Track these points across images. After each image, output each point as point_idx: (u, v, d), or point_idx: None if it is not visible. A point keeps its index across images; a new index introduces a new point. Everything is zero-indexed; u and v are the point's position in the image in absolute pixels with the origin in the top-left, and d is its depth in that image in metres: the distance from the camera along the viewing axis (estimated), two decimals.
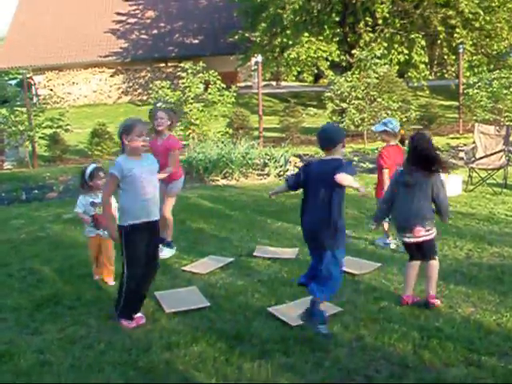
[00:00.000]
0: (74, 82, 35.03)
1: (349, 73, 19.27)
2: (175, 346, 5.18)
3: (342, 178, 5.10)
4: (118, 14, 36.72)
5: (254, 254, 7.77)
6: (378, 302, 5.94)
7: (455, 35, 25.59)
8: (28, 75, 19.27)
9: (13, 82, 39.03)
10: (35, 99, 31.26)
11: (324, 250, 5.30)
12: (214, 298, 6.28)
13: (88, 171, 6.85)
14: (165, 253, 7.83)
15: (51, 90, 33.77)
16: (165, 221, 7.81)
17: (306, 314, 5.34)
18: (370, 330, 5.32)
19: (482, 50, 26.93)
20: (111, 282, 6.89)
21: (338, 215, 5.33)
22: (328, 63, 26.65)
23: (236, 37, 29.82)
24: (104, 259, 7.02)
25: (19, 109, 18.14)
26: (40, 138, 18.37)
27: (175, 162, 7.89)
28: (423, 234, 5.75)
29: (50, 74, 34.63)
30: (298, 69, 27.18)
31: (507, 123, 17.05)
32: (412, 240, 5.82)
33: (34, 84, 34.00)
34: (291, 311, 5.75)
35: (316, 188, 5.37)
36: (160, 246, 7.41)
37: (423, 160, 5.73)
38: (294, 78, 29.21)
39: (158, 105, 7.71)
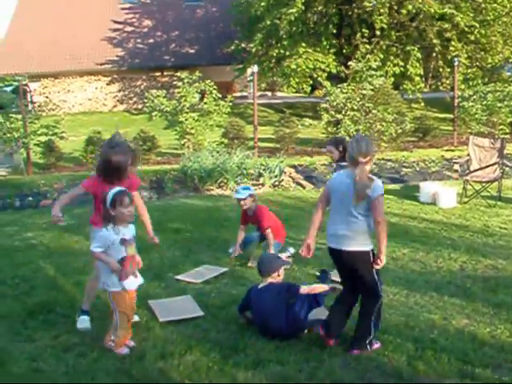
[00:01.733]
0: (69, 90, 35.02)
1: (344, 84, 19.30)
2: (169, 355, 5.16)
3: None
4: (115, 22, 36.77)
5: (249, 264, 7.74)
6: None
7: (450, 48, 25.76)
8: (24, 82, 19.17)
9: (8, 89, 38.94)
10: (30, 106, 31.26)
11: None
12: (208, 307, 6.27)
13: (110, 195, 5.20)
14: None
15: (47, 97, 33.69)
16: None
17: None
18: None
19: (477, 63, 27.11)
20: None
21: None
22: (325, 74, 26.72)
23: (232, 47, 29.88)
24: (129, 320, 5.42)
25: (14, 115, 18.11)
26: (35, 145, 18.33)
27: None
28: None
29: (46, 82, 34.63)
30: (297, 79, 27.23)
31: (501, 136, 17.10)
32: None
33: (30, 91, 33.95)
34: None
35: None
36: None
37: None
38: (293, 90, 29.26)
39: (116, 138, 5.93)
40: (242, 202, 8.07)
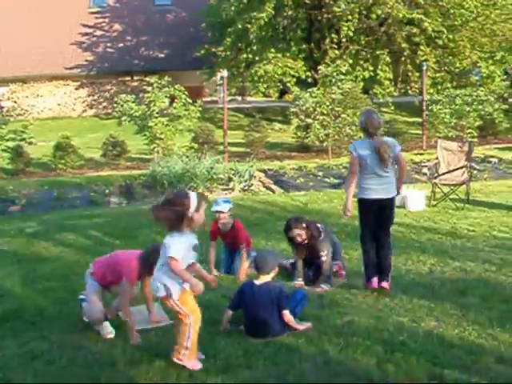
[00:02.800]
0: (38, 95, 34.67)
1: (314, 88, 19.38)
2: (138, 362, 5.12)
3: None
4: (85, 25, 36.50)
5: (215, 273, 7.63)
6: (342, 317, 5.95)
7: (419, 52, 25.97)
8: None
9: None
10: None
11: None
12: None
13: (194, 199, 4.92)
14: None
15: (15, 102, 33.37)
16: None
17: None
18: (334, 344, 5.31)
19: (445, 68, 27.36)
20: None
21: None
22: (294, 79, 26.78)
23: (202, 51, 29.82)
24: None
25: None
26: (3, 150, 18.15)
27: None
28: None
29: (14, 86, 34.22)
30: (265, 85, 27.22)
31: (469, 139, 17.29)
32: None
33: None
34: None
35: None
36: None
37: None
38: (261, 95, 29.26)
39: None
40: (221, 215, 7.51)
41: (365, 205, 6.81)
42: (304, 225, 7.21)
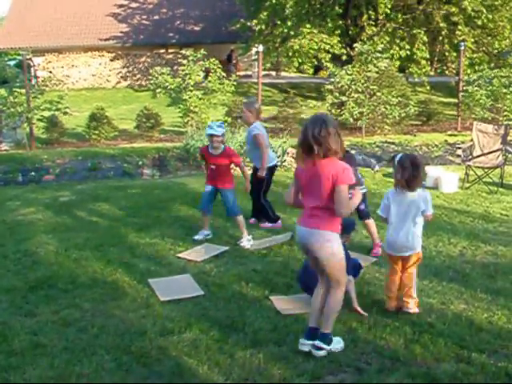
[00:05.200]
0: (73, 65, 34.89)
1: (349, 66, 19.23)
2: (168, 333, 5.21)
3: None
4: None
5: (243, 245, 7.74)
6: (371, 296, 5.98)
7: (457, 32, 25.53)
8: (27, 56, 19.11)
9: (12, 63, 38.86)
10: (34, 81, 31.11)
11: None
12: (208, 285, 6.31)
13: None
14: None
15: (50, 72, 33.62)
16: None
17: None
18: (362, 323, 5.35)
19: (483, 48, 26.91)
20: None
21: None
22: (329, 55, 26.57)
23: (237, 25, 29.68)
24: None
25: (18, 90, 18.07)
26: (38, 120, 18.32)
27: None
28: None
29: (50, 56, 34.47)
30: (300, 60, 27.05)
31: (505, 122, 17.06)
32: None
33: (34, 66, 33.85)
34: (289, 303, 5.82)
35: None
36: None
37: None
38: (295, 70, 29.07)
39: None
40: (214, 139, 7.74)
41: (274, 170, 8.80)
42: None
